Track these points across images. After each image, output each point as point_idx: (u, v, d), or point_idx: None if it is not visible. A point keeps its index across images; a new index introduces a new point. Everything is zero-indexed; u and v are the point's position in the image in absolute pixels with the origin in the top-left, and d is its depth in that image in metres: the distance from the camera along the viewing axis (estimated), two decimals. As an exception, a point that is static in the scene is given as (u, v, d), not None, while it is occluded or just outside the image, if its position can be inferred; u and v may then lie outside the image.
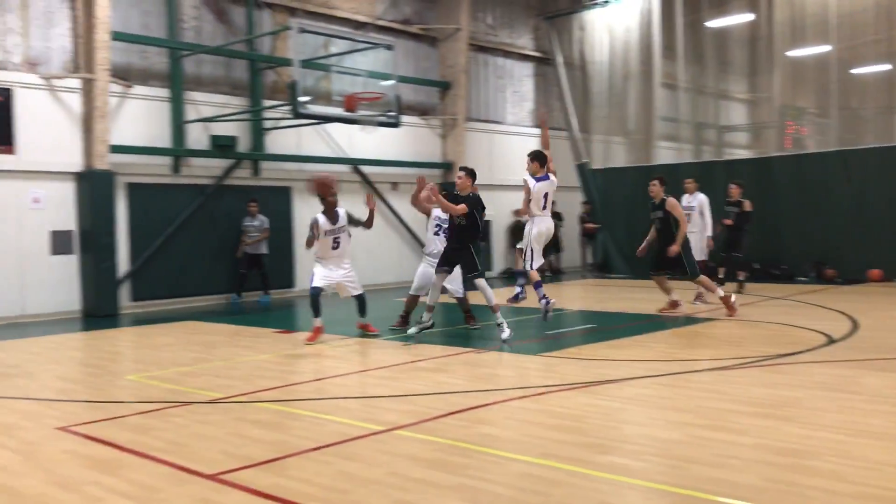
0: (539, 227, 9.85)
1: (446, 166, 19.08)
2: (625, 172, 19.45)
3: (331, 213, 9.54)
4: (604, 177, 19.97)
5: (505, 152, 20.78)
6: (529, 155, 10.00)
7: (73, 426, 5.82)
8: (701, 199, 12.97)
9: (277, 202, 16.06)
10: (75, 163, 13.46)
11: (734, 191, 14.08)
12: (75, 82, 13.42)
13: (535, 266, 9.97)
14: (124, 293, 13.98)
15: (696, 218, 12.68)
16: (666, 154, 19.22)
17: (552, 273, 20.23)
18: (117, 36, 13.68)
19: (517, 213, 9.71)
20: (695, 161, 18.41)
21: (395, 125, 14.74)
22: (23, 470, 4.79)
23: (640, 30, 19.26)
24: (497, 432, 5.36)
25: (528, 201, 9.80)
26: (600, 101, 20.20)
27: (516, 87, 21.44)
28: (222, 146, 15.12)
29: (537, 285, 9.85)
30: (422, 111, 18.96)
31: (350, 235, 9.75)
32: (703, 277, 11.24)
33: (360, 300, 9.91)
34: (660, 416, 5.74)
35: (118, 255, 13.69)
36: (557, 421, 5.59)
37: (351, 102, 13.69)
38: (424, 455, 4.84)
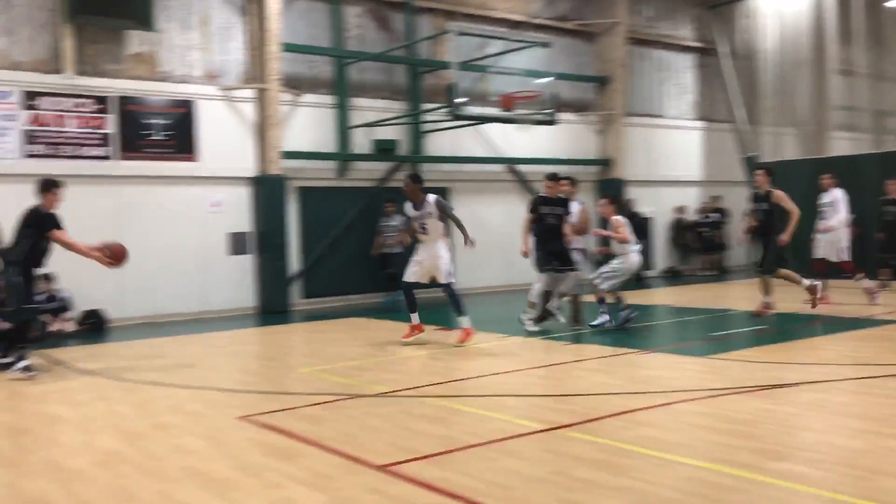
0: (635, 259, 10.37)
1: (604, 163, 18.79)
2: (796, 165, 18.34)
3: (418, 201, 9.63)
4: (773, 170, 18.95)
5: (665, 147, 20.22)
6: (607, 198, 10.71)
7: (252, 415, 6.20)
8: (837, 195, 12.22)
9: (437, 202, 16.41)
10: (250, 168, 14.33)
11: (893, 187, 12.96)
12: (250, 92, 14.28)
13: (607, 288, 10.36)
14: (295, 291, 14.73)
15: (830, 215, 12.27)
16: (842, 145, 18.01)
17: (720, 272, 19.49)
18: (287, 47, 14.44)
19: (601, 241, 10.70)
20: (875, 151, 17.12)
21: (551, 123, 14.68)
22: (210, 455, 5.16)
23: (812, 14, 18.17)
24: (663, 435, 5.23)
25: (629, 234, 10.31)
26: (769, 90, 19.21)
27: (677, 80, 20.78)
28: (384, 150, 15.62)
29: (602, 300, 10.36)
30: (579, 108, 18.76)
31: (442, 222, 9.71)
32: (782, 271, 11.01)
33: (448, 292, 9.55)
34: (841, 423, 5.41)
35: (290, 255, 14.45)
36: (728, 425, 5.39)
37: (508, 102, 13.77)
38: (588, 455, 4.80)
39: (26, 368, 8.17)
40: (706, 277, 18.77)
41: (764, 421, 5.46)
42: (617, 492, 4.16)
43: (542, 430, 5.41)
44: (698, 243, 19.83)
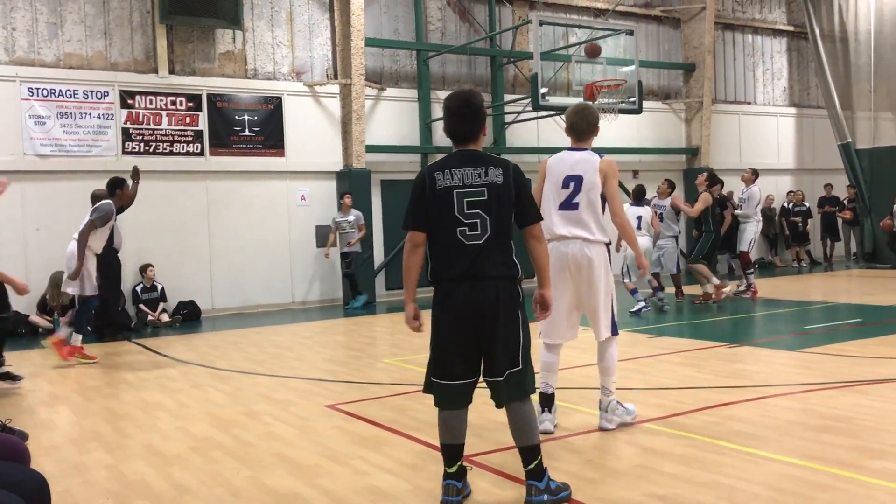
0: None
1: (691, 152, 18.36)
2: (895, 152, 17.63)
3: None
4: (871, 157, 18.20)
5: (756, 134, 19.61)
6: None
7: (339, 404, 6.33)
8: None
9: (519, 194, 16.35)
10: (336, 162, 14.57)
11: None
12: (335, 88, 14.52)
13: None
14: (379, 282, 14.92)
15: None
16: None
17: (812, 263, 18.83)
18: (371, 42, 14.61)
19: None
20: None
21: (637, 111, 14.42)
22: (299, 443, 5.28)
23: (915, -8, 17.32)
24: (753, 430, 5.09)
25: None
26: (865, 74, 18.38)
27: (768, 65, 20.11)
28: (466, 141, 15.60)
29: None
30: (665, 95, 18.38)
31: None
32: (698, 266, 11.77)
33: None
34: (944, 422, 5.15)
35: (374, 248, 14.63)
36: (821, 421, 5.21)
37: (591, 91, 13.58)
38: (675, 450, 4.72)
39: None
40: (798, 269, 18.14)
41: (860, 417, 5.26)
42: (705, 487, 4.07)
43: (627, 424, 5.33)
44: (788, 233, 19.18)
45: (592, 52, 13.58)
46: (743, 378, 6.79)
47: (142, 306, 12.42)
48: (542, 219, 4.08)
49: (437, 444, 5.02)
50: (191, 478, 4.61)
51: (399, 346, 9.53)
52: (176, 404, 6.66)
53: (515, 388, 3.88)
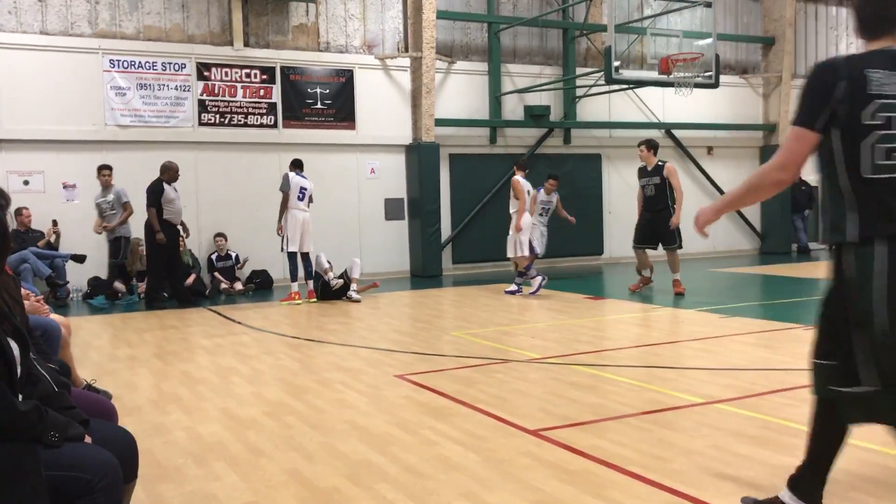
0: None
1: (769, 128, 17.83)
2: None
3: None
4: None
5: (837, 111, 18.93)
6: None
7: (407, 374, 6.40)
8: None
9: (588, 169, 16.16)
10: (405, 136, 14.62)
11: None
12: (405, 61, 14.53)
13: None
14: (446, 256, 14.98)
15: None
16: None
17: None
18: (442, 14, 14.56)
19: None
20: None
21: (713, 86, 14.06)
22: (369, 411, 5.37)
23: None
24: (830, 414, 4.96)
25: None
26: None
27: (852, 38, 19.32)
28: (536, 116, 15.51)
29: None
30: (742, 70, 17.86)
31: None
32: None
33: None
34: None
35: (442, 221, 14.69)
36: (903, 407, 5.04)
37: (666, 64, 13.29)
38: (749, 431, 4.64)
39: None
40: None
41: (946, 405, 5.07)
42: (781, 469, 3.99)
43: (698, 404, 5.27)
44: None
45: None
46: (819, 361, 6.61)
47: (216, 274, 12.74)
48: None
49: (506, 418, 5.07)
50: (266, 441, 4.74)
51: (466, 319, 9.58)
52: (250, 370, 6.83)
53: None
